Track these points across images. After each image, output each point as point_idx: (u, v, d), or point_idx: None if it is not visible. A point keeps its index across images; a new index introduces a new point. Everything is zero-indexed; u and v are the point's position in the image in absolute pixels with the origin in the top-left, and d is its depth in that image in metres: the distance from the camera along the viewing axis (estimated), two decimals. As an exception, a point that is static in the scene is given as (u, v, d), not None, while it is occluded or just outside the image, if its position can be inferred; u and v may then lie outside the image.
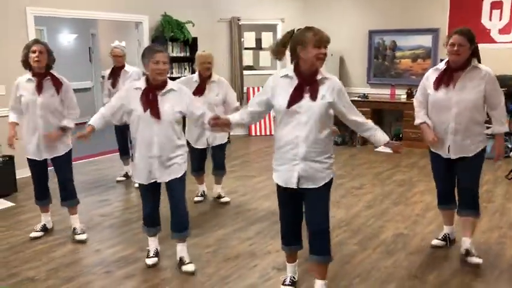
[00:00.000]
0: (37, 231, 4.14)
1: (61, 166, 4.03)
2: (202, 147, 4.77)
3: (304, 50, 2.65)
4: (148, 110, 3.22)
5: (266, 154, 7.20)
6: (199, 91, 4.64)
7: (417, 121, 3.57)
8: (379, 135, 2.91)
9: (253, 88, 8.91)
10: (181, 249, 3.53)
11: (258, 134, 8.96)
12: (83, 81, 10.59)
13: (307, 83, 2.71)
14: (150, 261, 3.55)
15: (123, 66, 5.55)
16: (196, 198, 5.02)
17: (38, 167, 4.00)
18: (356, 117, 2.83)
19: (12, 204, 5.02)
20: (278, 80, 2.79)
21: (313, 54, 2.64)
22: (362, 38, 8.25)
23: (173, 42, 7.62)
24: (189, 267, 3.44)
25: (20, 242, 4.00)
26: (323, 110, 2.70)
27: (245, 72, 8.94)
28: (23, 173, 5.55)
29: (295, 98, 2.69)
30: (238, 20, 8.65)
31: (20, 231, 4.25)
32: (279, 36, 8.84)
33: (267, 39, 9.00)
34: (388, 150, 2.94)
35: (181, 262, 3.49)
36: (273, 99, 2.78)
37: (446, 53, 3.38)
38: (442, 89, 3.36)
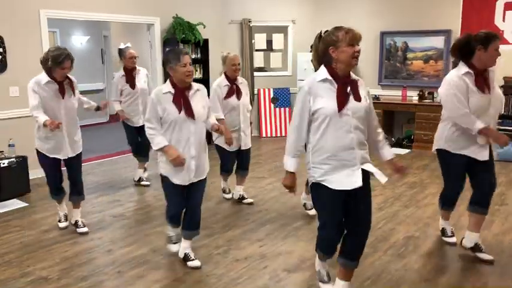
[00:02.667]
0: (62, 221, 4.36)
1: (78, 163, 4.26)
2: (236, 149, 4.79)
3: (337, 50, 2.58)
4: (183, 111, 3.28)
5: (276, 156, 7.20)
6: (237, 94, 4.67)
7: (479, 126, 3.35)
8: (388, 149, 2.92)
9: (264, 90, 8.92)
10: (187, 247, 3.60)
11: (269, 135, 8.97)
12: (96, 83, 10.69)
13: (348, 84, 2.64)
14: (175, 247, 3.69)
15: (135, 67, 5.56)
16: (226, 195, 5.19)
17: (56, 165, 4.18)
18: (376, 121, 2.84)
19: (26, 204, 5.08)
20: (316, 84, 2.64)
21: (349, 53, 2.57)
22: (373, 39, 8.21)
23: (184, 44, 7.66)
24: (196, 263, 3.53)
25: (34, 242, 4.05)
26: (367, 110, 2.70)
27: (256, 73, 8.96)
28: (36, 173, 5.62)
29: (343, 100, 2.60)
30: (249, 21, 8.66)
31: (33, 230, 4.31)
32: (290, 37, 8.95)
33: (278, 40, 9.01)
34: (381, 177, 2.81)
35: (187, 258, 3.57)
36: (315, 105, 2.63)
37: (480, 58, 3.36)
38: (481, 92, 3.40)
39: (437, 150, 3.68)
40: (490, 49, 3.33)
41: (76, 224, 4.29)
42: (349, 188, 2.69)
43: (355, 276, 3.34)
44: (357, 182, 2.69)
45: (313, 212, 4.44)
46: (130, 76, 5.48)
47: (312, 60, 2.81)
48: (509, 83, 7.01)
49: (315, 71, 2.74)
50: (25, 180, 5.45)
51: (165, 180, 3.45)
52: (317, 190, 2.77)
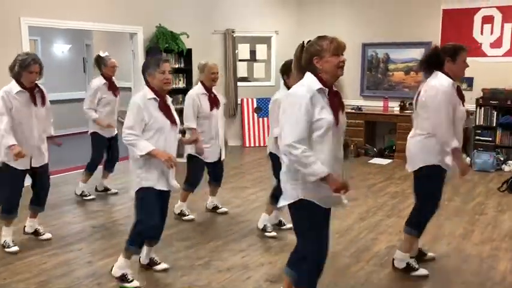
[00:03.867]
0: (12, 245, 4.00)
1: (46, 173, 4.14)
2: (214, 160, 4.69)
3: (322, 60, 2.48)
4: (169, 119, 3.29)
5: (260, 165, 7.19)
6: (216, 103, 4.58)
7: (455, 143, 3.25)
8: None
9: (247, 99, 8.94)
10: (151, 252, 3.66)
11: (252, 145, 8.97)
12: (77, 92, 10.57)
13: (335, 95, 2.55)
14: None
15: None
16: (187, 217, 4.82)
17: (21, 177, 3.99)
18: None
19: (3, 215, 4.96)
20: (315, 94, 2.46)
21: (334, 63, 2.47)
22: (355, 50, 8.31)
23: (168, 54, 7.63)
24: (163, 266, 3.60)
25: (10, 254, 3.95)
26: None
27: (239, 83, 8.97)
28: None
29: (337, 112, 2.51)
30: (233, 32, 8.70)
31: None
32: (274, 48, 9.00)
33: (262, 51, 9.06)
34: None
35: (153, 263, 3.62)
36: (314, 115, 2.45)
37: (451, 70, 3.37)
38: (462, 103, 3.40)
39: (426, 167, 3.37)
40: (458, 61, 3.35)
41: (37, 233, 4.22)
42: (332, 207, 2.65)
43: (337, 286, 3.35)
44: (343, 200, 2.68)
45: (274, 233, 4.31)
46: (112, 84, 5.44)
47: (281, 71, 2.73)
48: (487, 95, 7.16)
49: (290, 82, 2.62)
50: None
51: (146, 192, 3.30)
52: (307, 209, 2.55)
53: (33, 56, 3.85)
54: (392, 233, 4.42)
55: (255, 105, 8.99)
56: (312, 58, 2.51)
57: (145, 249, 3.59)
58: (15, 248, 3.98)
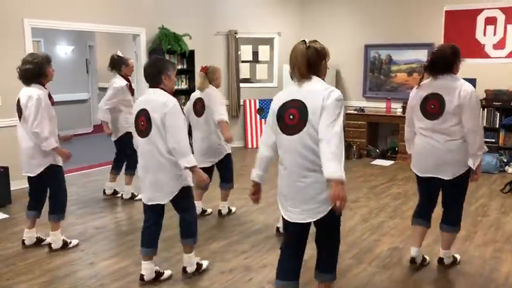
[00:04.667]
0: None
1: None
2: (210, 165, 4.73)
3: (325, 63, 2.61)
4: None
5: (262, 167, 7.19)
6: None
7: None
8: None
9: (250, 100, 8.94)
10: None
11: (255, 146, 8.97)
12: (80, 93, 10.61)
13: None
14: None
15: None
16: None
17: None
18: None
19: (6, 216, 4.98)
20: None
21: (326, 68, 2.64)
22: (358, 52, 8.31)
23: (170, 55, 7.65)
24: (168, 272, 3.55)
25: (13, 254, 3.97)
26: None
27: (242, 85, 8.99)
28: (17, 184, 5.53)
29: None
30: (235, 33, 8.71)
31: (13, 243, 4.22)
32: (276, 49, 9.00)
33: (264, 52, 9.07)
34: None
35: (159, 274, 3.52)
36: None
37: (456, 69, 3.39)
38: None
39: (470, 169, 3.41)
40: (460, 62, 3.38)
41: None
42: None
43: (340, 288, 3.34)
44: None
45: None
46: (131, 84, 5.41)
47: (290, 70, 2.70)
48: (490, 96, 7.14)
49: (299, 79, 2.56)
50: (6, 191, 5.35)
51: (190, 189, 3.42)
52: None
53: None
54: (394, 235, 4.42)
55: (257, 107, 8.99)
56: (324, 59, 2.58)
57: (148, 265, 3.44)
58: (76, 241, 4.18)
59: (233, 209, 5.10)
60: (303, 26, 8.89)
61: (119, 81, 5.29)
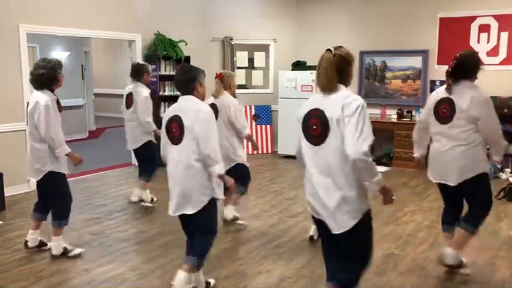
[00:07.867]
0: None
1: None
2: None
3: (352, 67, 2.61)
4: None
5: (258, 173, 7.19)
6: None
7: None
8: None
9: (246, 107, 8.95)
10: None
11: (251, 152, 8.93)
12: (76, 99, 10.58)
13: None
14: None
15: None
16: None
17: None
18: None
19: (0, 222, 4.95)
20: None
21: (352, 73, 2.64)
22: (353, 58, 8.35)
23: (166, 61, 7.67)
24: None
25: (7, 261, 3.94)
26: None
27: (237, 91, 8.93)
28: (11, 190, 5.50)
29: None
30: (231, 39, 8.73)
31: (7, 249, 4.19)
32: (272, 56, 9.03)
33: (260, 58, 9.10)
34: None
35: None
36: None
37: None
38: None
39: (482, 174, 3.49)
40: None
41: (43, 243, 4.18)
42: None
43: (336, 295, 3.33)
44: None
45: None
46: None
47: (316, 79, 2.62)
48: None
49: (325, 89, 2.51)
50: (0, 197, 5.31)
51: (215, 203, 3.30)
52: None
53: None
54: (390, 241, 4.42)
55: (253, 113, 9.01)
56: (351, 65, 2.59)
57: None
58: (80, 249, 4.09)
59: (239, 218, 4.89)
60: (298, 32, 8.93)
61: (144, 90, 5.18)
